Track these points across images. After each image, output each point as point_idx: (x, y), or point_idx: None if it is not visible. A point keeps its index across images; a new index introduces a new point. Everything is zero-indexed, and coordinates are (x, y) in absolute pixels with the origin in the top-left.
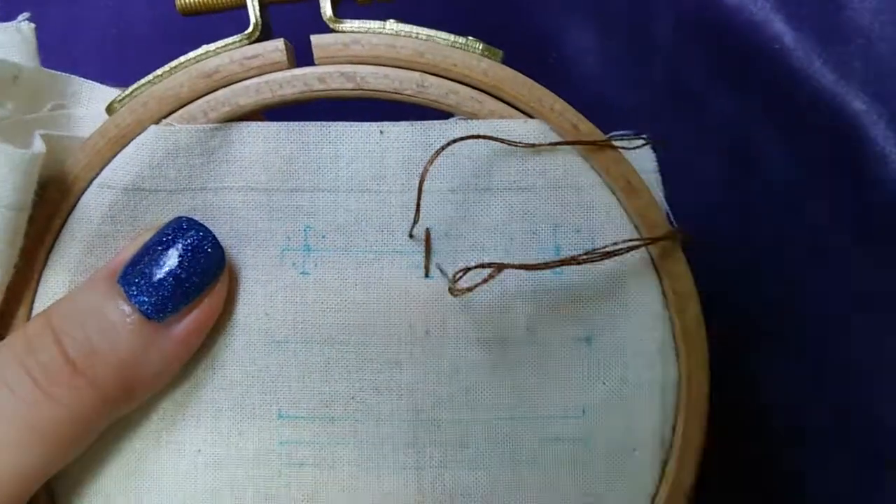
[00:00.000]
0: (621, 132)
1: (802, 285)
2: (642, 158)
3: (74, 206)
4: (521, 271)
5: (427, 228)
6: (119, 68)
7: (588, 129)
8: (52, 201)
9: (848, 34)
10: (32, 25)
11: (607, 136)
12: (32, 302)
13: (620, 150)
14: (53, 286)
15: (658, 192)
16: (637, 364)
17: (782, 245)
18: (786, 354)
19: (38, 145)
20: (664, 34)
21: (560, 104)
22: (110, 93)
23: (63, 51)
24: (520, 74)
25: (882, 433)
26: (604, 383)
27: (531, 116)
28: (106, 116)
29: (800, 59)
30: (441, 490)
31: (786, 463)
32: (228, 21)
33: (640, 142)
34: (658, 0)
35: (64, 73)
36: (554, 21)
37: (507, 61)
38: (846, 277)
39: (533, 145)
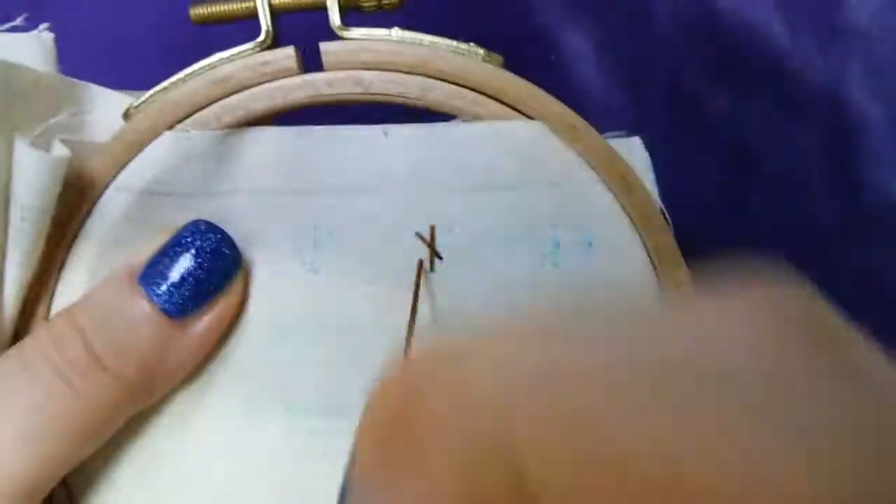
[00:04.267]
0: (615, 132)
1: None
2: (636, 158)
3: (92, 208)
4: (517, 263)
5: (432, 226)
6: (119, 74)
7: (584, 128)
8: (69, 204)
9: (848, 34)
10: (52, 35)
11: (602, 135)
12: (51, 301)
13: (616, 149)
14: (72, 286)
15: (653, 191)
16: None
17: (781, 244)
18: None
19: (62, 149)
20: (664, 34)
21: (559, 106)
22: (123, 99)
23: (62, 53)
24: (520, 78)
25: None
26: None
27: (531, 118)
28: (120, 122)
29: (799, 60)
30: None
31: None
32: (230, 31)
33: (635, 141)
34: (657, 0)
35: (80, 81)
36: (554, 22)
37: (508, 63)
38: (846, 277)
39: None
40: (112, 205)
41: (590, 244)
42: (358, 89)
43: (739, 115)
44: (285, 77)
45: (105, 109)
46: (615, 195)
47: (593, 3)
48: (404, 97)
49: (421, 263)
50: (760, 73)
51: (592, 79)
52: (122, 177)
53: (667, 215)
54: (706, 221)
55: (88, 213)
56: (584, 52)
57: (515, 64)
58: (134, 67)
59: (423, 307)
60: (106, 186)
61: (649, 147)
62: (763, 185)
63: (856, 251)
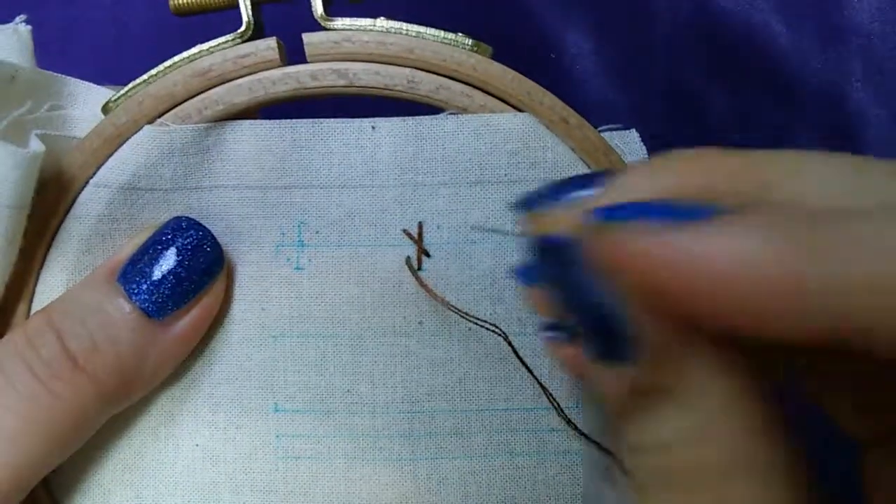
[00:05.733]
0: (611, 126)
1: None
2: (633, 152)
3: (72, 205)
4: (508, 260)
5: (420, 222)
6: (116, 70)
7: (577, 122)
8: (49, 201)
9: (848, 34)
10: (29, 27)
11: (598, 129)
12: (31, 300)
13: (609, 144)
14: (52, 284)
15: None
16: None
17: None
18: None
19: (38, 144)
20: (663, 34)
21: (549, 98)
22: (106, 94)
23: (61, 52)
24: (509, 69)
25: None
26: None
27: (521, 110)
28: (101, 117)
29: (799, 60)
30: (437, 481)
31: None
32: (224, 21)
33: (632, 134)
34: (657, 0)
35: (60, 75)
36: (554, 21)
37: (506, 61)
38: None
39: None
40: (92, 201)
41: None
42: (342, 82)
43: (739, 115)
44: (267, 69)
45: (87, 105)
46: None
47: (593, 3)
48: (390, 89)
49: (409, 261)
50: (760, 73)
51: (592, 78)
52: (101, 172)
53: None
54: None
55: (68, 210)
56: (584, 51)
57: (515, 63)
58: (122, 61)
59: (410, 307)
60: (85, 183)
61: (648, 146)
62: None
63: None
